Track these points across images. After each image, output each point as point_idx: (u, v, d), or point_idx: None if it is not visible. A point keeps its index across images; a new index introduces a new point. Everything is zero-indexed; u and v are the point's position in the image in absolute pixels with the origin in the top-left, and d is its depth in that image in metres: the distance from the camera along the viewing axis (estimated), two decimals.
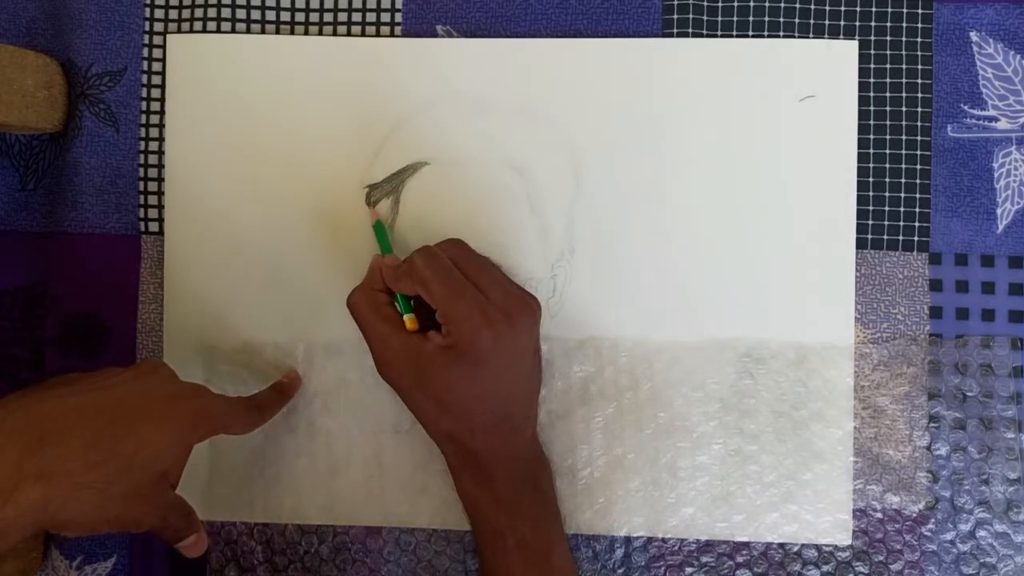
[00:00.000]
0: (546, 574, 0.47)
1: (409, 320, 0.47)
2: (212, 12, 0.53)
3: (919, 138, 0.51)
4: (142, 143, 0.54)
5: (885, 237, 0.51)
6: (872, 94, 0.52)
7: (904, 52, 0.52)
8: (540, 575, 0.47)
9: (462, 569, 0.52)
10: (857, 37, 0.52)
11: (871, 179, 0.51)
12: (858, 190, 0.51)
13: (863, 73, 0.52)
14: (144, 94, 0.54)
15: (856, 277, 0.51)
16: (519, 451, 0.48)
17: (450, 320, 0.45)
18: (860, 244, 0.51)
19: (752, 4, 0.52)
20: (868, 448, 0.51)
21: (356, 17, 0.53)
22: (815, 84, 0.51)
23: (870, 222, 0.51)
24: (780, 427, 0.51)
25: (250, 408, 0.48)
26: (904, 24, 0.52)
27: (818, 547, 0.51)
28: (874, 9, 0.52)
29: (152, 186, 0.54)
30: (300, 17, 0.54)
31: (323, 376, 0.53)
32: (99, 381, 0.43)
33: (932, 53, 0.52)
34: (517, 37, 0.53)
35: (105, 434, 0.40)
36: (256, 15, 0.54)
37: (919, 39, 0.52)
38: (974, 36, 0.51)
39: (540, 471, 0.49)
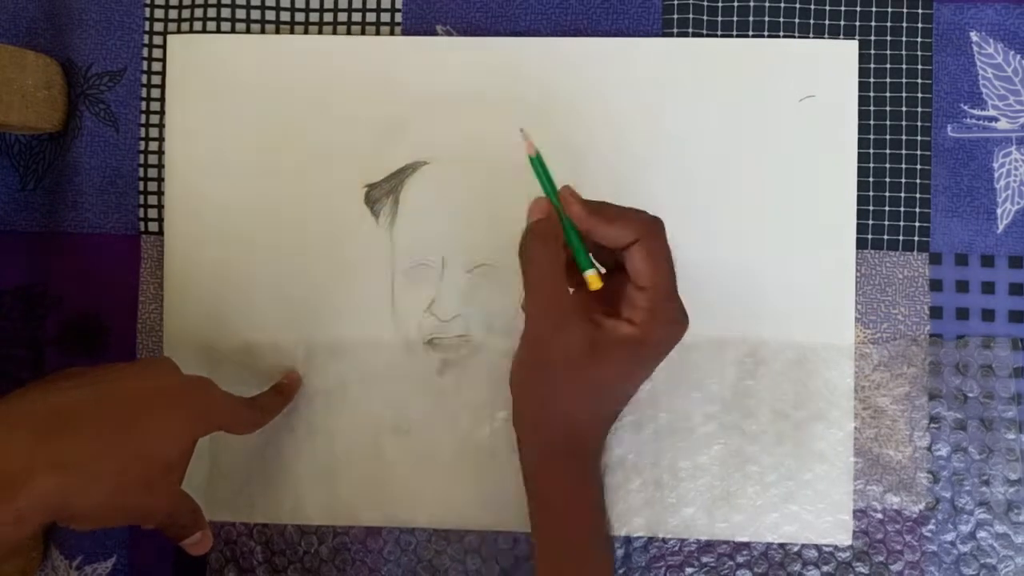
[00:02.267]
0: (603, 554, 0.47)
1: (593, 278, 0.41)
2: (212, 12, 0.53)
3: (919, 138, 0.51)
4: (142, 143, 0.54)
5: (885, 237, 0.51)
6: (872, 94, 0.52)
7: (904, 52, 0.52)
8: (601, 555, 0.46)
9: (462, 569, 0.52)
10: (857, 37, 0.52)
11: (871, 179, 0.51)
12: (858, 190, 0.51)
13: (863, 73, 0.52)
14: (144, 94, 0.54)
15: (856, 277, 0.51)
16: (601, 451, 0.47)
17: (645, 307, 0.40)
18: (860, 244, 0.51)
19: (752, 4, 0.52)
20: (868, 448, 0.51)
21: (356, 17, 0.53)
22: (815, 84, 0.51)
23: (870, 222, 0.51)
24: (781, 427, 0.51)
25: (252, 408, 0.48)
26: (904, 24, 0.52)
27: (818, 547, 0.51)
28: (874, 9, 0.52)
29: (152, 186, 0.54)
30: (300, 17, 0.54)
31: (323, 376, 0.53)
32: (105, 374, 0.43)
33: (932, 53, 0.52)
34: (517, 37, 0.53)
35: (113, 425, 0.40)
36: (256, 15, 0.54)
37: (919, 39, 0.52)
38: (974, 36, 0.51)
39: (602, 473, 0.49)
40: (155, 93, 0.54)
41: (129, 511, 0.41)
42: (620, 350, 0.40)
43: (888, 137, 0.52)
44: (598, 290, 0.42)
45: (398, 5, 0.53)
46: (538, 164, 0.41)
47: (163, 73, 0.54)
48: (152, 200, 0.54)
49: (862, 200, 0.51)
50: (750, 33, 0.52)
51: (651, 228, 0.40)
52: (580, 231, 0.41)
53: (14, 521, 0.37)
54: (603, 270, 0.43)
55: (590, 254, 0.42)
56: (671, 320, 0.41)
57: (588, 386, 0.41)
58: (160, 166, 0.54)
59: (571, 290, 0.42)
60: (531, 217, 0.42)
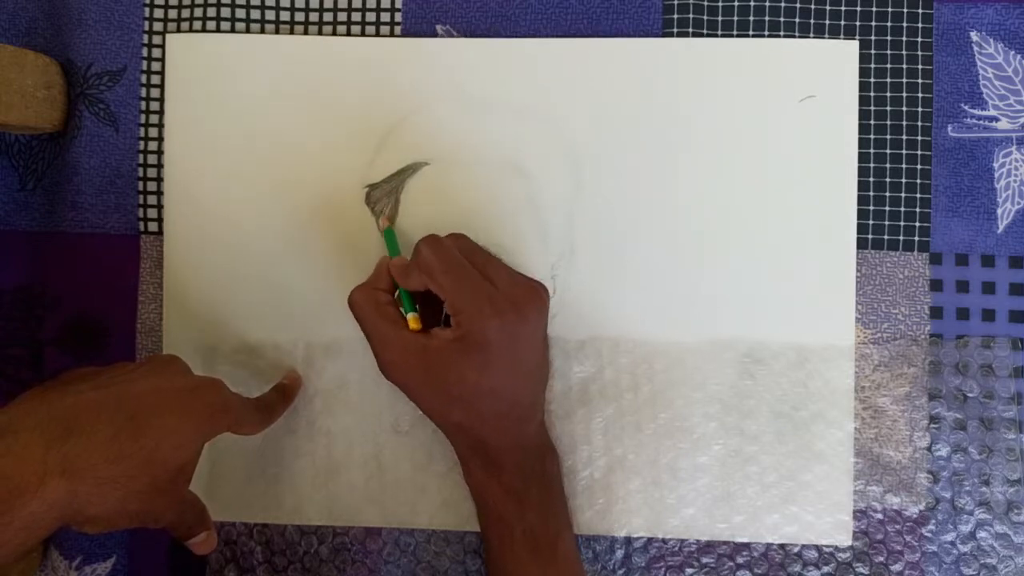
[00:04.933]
0: (552, 563, 0.47)
1: (412, 319, 0.46)
2: (211, 12, 0.53)
3: (919, 138, 0.51)
4: (141, 143, 0.54)
5: (886, 237, 0.51)
6: (872, 94, 0.52)
7: (904, 52, 0.52)
8: (546, 564, 0.46)
9: (462, 569, 0.52)
10: (857, 37, 0.52)
11: (871, 179, 0.51)
12: (858, 190, 0.51)
13: (863, 73, 0.52)
14: (143, 94, 0.54)
15: (856, 277, 0.51)
16: (527, 440, 0.48)
17: (459, 310, 0.44)
18: (860, 244, 0.51)
19: (752, 4, 0.52)
20: (869, 449, 0.51)
21: (356, 17, 0.53)
22: (815, 84, 0.51)
23: (870, 222, 0.51)
24: (780, 428, 0.51)
25: (259, 408, 0.48)
26: (904, 24, 0.52)
27: (818, 548, 0.51)
28: (874, 9, 0.52)
29: (152, 186, 0.54)
30: (300, 17, 0.54)
31: (323, 376, 0.53)
32: (116, 375, 0.43)
33: (932, 53, 0.52)
34: (517, 37, 0.53)
35: (126, 429, 0.40)
36: (256, 15, 0.53)
37: (919, 39, 0.52)
38: (974, 36, 0.51)
39: (548, 460, 0.49)
40: (155, 93, 0.54)
41: (140, 514, 0.41)
42: (446, 352, 0.44)
43: (888, 137, 0.51)
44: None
45: (398, 5, 0.53)
46: (388, 236, 0.50)
47: (163, 73, 0.54)
48: (152, 200, 0.54)
49: (862, 200, 0.51)
50: (750, 33, 0.52)
51: (428, 250, 0.45)
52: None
53: (26, 527, 0.37)
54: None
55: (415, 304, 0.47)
56: (485, 311, 0.44)
57: (438, 393, 0.46)
58: (160, 166, 0.54)
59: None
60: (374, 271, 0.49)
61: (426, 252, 0.46)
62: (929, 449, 0.51)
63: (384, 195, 0.52)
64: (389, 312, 0.47)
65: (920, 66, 0.51)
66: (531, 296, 0.46)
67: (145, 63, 0.54)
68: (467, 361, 0.44)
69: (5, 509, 0.36)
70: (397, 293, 0.48)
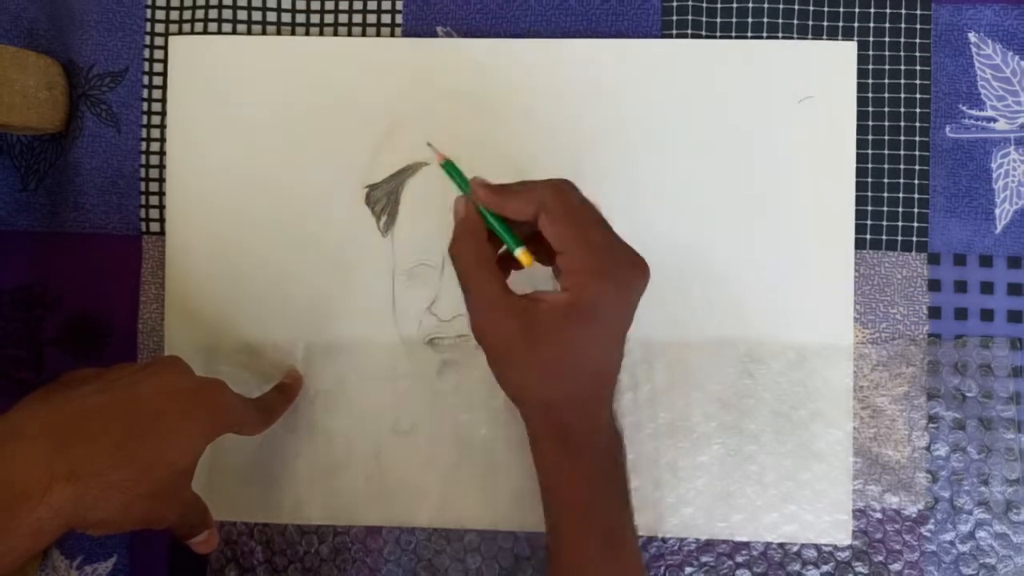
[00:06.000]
0: (621, 554, 0.44)
1: (523, 254, 0.42)
2: (213, 13, 0.53)
3: (917, 139, 0.52)
4: (143, 144, 0.54)
5: (884, 237, 0.52)
6: (871, 95, 0.52)
7: (903, 53, 0.52)
8: (616, 555, 0.44)
9: (462, 569, 0.52)
10: (856, 38, 0.52)
11: (870, 179, 0.52)
12: (857, 190, 0.51)
13: (862, 74, 0.52)
14: (145, 95, 0.54)
15: (855, 277, 0.51)
16: (604, 422, 0.44)
17: (574, 268, 0.40)
18: (859, 244, 0.51)
19: (751, 5, 0.52)
20: (867, 448, 0.51)
21: (356, 17, 0.54)
22: (814, 85, 0.52)
23: (869, 222, 0.51)
24: (780, 427, 0.51)
25: (261, 408, 0.48)
26: (903, 25, 0.52)
27: (817, 547, 0.51)
28: (873, 10, 0.52)
29: (153, 186, 0.54)
30: (300, 18, 0.54)
31: (323, 376, 0.53)
32: (120, 378, 0.43)
33: (931, 54, 0.52)
34: (517, 37, 0.53)
35: (132, 433, 0.40)
36: (256, 16, 0.54)
37: (918, 40, 0.52)
38: (972, 37, 0.52)
39: (617, 445, 0.46)
40: (156, 94, 0.54)
41: (145, 517, 0.41)
42: (557, 320, 0.40)
43: (887, 138, 0.52)
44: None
45: (398, 6, 0.53)
46: (450, 168, 0.43)
47: (164, 74, 0.54)
48: (153, 200, 0.54)
49: (861, 200, 0.52)
50: (749, 34, 0.52)
51: (554, 192, 0.40)
52: (494, 214, 0.42)
53: (33, 533, 0.37)
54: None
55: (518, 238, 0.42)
56: (604, 272, 0.40)
57: (539, 366, 0.41)
58: (161, 167, 0.54)
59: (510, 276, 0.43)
60: (456, 218, 0.43)
61: (548, 192, 0.41)
62: (928, 449, 0.51)
63: (384, 195, 0.52)
64: (495, 270, 0.42)
65: (918, 67, 0.52)
66: (639, 266, 0.42)
67: (147, 64, 0.54)
68: (579, 332, 0.40)
69: (12, 515, 0.36)
70: (497, 221, 0.42)
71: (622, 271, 0.41)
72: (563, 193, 0.41)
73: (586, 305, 0.40)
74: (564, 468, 0.43)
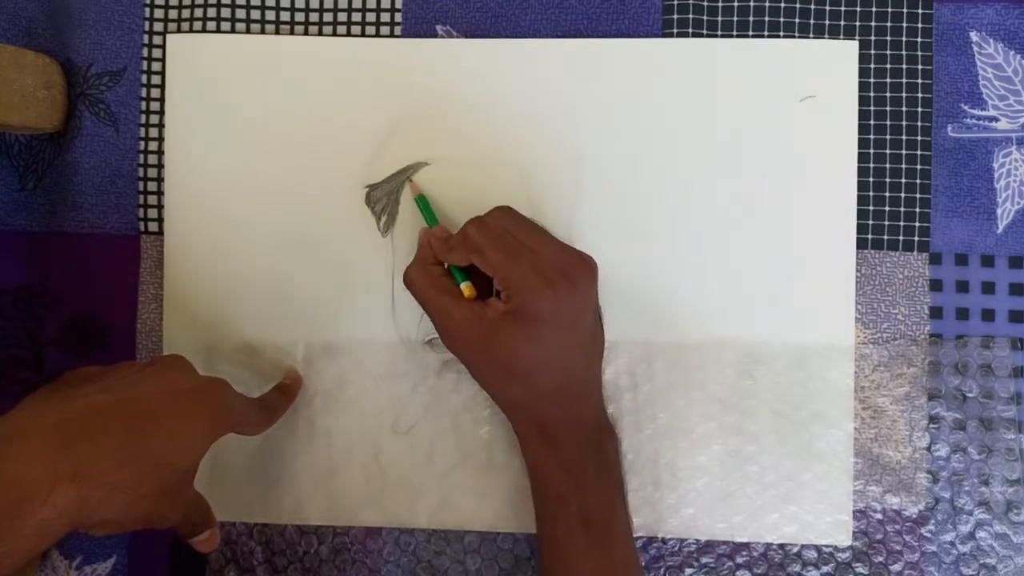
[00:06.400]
0: (606, 542, 0.46)
1: (466, 288, 0.47)
2: (212, 12, 0.53)
3: (919, 138, 0.51)
4: (142, 143, 0.54)
5: (885, 237, 0.51)
6: (872, 94, 0.52)
7: (904, 52, 0.52)
8: (600, 543, 0.46)
9: (462, 569, 0.52)
10: (857, 37, 0.52)
11: (871, 179, 0.51)
12: (858, 190, 0.51)
13: (863, 73, 0.52)
14: (144, 94, 0.54)
15: (856, 277, 0.51)
16: (584, 416, 0.48)
17: (509, 285, 0.45)
18: (860, 244, 0.51)
19: (752, 4, 0.52)
20: (868, 449, 0.51)
21: (356, 17, 0.53)
22: (815, 84, 0.51)
23: (870, 222, 0.51)
24: (780, 428, 0.51)
25: (263, 408, 0.48)
26: (904, 24, 0.52)
27: (818, 548, 0.51)
28: (874, 9, 0.52)
29: (152, 186, 0.54)
30: (300, 17, 0.54)
31: (323, 376, 0.53)
32: (122, 377, 0.43)
33: (932, 53, 0.52)
34: (517, 37, 0.53)
35: (135, 433, 0.40)
36: (256, 15, 0.54)
37: (919, 39, 0.52)
38: (974, 36, 0.51)
39: (606, 438, 0.49)
40: (155, 93, 0.54)
41: (147, 517, 0.41)
42: (505, 324, 0.45)
43: (888, 137, 0.52)
44: None
45: (398, 5, 0.53)
46: (422, 203, 0.51)
47: (163, 73, 0.54)
48: (152, 200, 0.54)
49: (862, 200, 0.51)
50: (750, 33, 0.52)
51: (478, 230, 0.46)
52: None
53: (36, 533, 0.36)
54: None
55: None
56: (538, 285, 0.44)
57: (498, 366, 0.46)
58: (160, 166, 0.54)
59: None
60: (418, 245, 0.49)
61: (471, 230, 0.46)
62: (928, 449, 0.51)
63: (384, 195, 0.52)
64: (444, 284, 0.47)
65: (920, 66, 0.52)
66: (580, 266, 0.46)
67: (145, 63, 0.54)
68: (520, 334, 0.45)
69: (15, 516, 0.36)
70: (447, 263, 0.48)
71: (555, 275, 0.45)
72: (485, 228, 0.46)
73: (524, 310, 0.44)
74: (546, 461, 0.46)
